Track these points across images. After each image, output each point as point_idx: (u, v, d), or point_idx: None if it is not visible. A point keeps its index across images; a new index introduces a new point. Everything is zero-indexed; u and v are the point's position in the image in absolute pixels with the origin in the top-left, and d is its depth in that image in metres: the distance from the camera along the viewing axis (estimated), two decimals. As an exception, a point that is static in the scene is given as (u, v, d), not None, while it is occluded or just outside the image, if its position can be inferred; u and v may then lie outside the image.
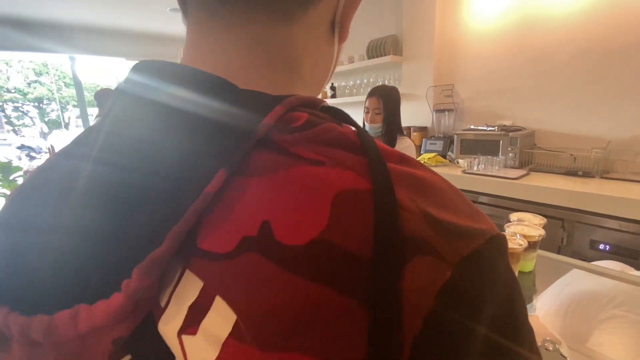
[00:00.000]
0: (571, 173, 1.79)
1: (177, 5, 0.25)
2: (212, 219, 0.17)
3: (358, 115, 2.00)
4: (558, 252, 1.39)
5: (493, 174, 1.86)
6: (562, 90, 1.97)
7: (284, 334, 0.14)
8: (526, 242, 0.78)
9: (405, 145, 1.58)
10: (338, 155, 0.18)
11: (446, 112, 2.46)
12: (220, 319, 0.16)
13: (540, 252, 0.90)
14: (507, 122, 2.10)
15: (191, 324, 0.16)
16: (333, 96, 3.50)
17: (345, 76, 3.42)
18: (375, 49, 2.80)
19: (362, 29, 3.18)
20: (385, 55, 2.72)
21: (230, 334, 0.15)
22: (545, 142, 2.05)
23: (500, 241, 0.18)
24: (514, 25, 2.12)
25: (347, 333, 0.14)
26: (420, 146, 2.51)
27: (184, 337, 0.17)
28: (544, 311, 0.72)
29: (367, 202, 0.16)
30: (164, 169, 0.18)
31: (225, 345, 0.15)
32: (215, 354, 0.15)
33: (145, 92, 0.21)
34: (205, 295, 0.16)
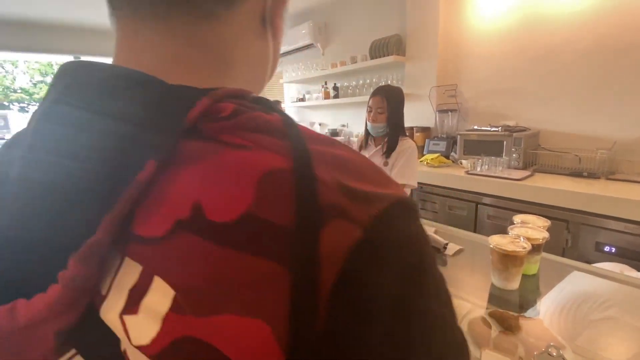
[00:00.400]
0: (576, 174, 1.77)
1: None
2: (147, 207, 0.18)
3: (360, 116, 1.99)
4: (563, 255, 1.38)
5: (496, 174, 1.84)
6: (567, 90, 1.95)
7: (218, 300, 0.16)
8: (530, 245, 0.78)
9: (407, 147, 1.56)
10: (263, 140, 0.19)
11: (449, 113, 2.44)
12: (160, 296, 0.17)
13: (544, 254, 0.89)
14: (511, 123, 2.08)
15: (132, 305, 0.18)
16: (336, 96, 3.49)
17: (348, 76, 3.41)
18: (378, 49, 2.79)
19: (364, 29, 3.17)
20: (388, 55, 2.71)
21: (170, 309, 0.17)
22: (549, 142, 2.03)
23: (407, 204, 0.20)
24: (518, 24, 2.10)
25: (272, 293, 0.16)
26: (423, 147, 2.50)
27: (126, 318, 0.18)
28: (548, 314, 0.71)
29: (289, 179, 0.18)
30: (96, 163, 0.19)
31: (165, 319, 0.17)
32: (157, 328, 0.17)
33: (74, 91, 0.21)
34: (144, 278, 0.18)
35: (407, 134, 2.58)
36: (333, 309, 0.16)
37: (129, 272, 0.18)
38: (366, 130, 1.66)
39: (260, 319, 0.16)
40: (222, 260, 0.16)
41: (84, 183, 0.19)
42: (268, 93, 5.49)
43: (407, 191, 1.63)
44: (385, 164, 1.57)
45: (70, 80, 0.22)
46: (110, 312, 0.18)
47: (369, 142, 1.69)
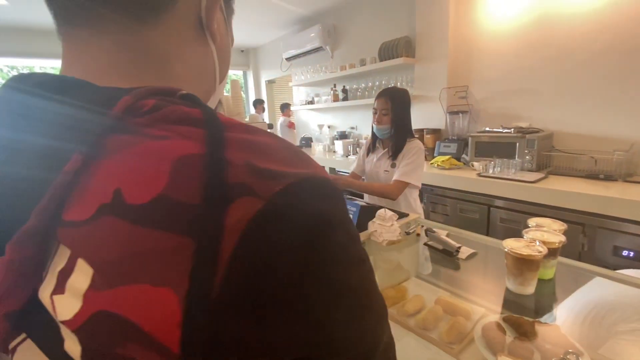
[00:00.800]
0: (592, 176, 1.73)
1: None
2: (76, 195, 0.20)
3: (369, 118, 1.98)
4: (579, 259, 1.34)
5: (509, 177, 1.81)
6: (582, 90, 1.91)
7: (128, 273, 0.18)
8: (546, 249, 0.76)
9: (412, 146, 1.53)
10: (181, 130, 0.21)
11: (460, 114, 2.42)
12: (82, 276, 0.19)
13: (560, 259, 0.87)
14: (524, 124, 2.05)
15: (60, 286, 0.20)
16: (345, 99, 3.49)
17: (357, 79, 3.41)
18: (387, 51, 2.79)
19: (373, 32, 3.17)
20: (397, 57, 2.70)
21: (89, 286, 0.19)
22: (564, 144, 1.99)
23: (316, 182, 0.22)
24: (531, 23, 2.07)
25: (179, 263, 0.18)
26: (434, 149, 2.48)
27: (55, 297, 0.20)
28: (567, 321, 0.69)
29: (200, 162, 0.19)
30: (29, 159, 0.21)
31: (85, 295, 0.19)
32: (79, 305, 0.19)
33: (13, 96, 0.24)
34: (71, 260, 0.20)
35: (417, 135, 2.58)
36: (230, 273, 0.18)
37: (61, 256, 0.20)
38: (373, 132, 1.65)
39: (168, 287, 0.18)
40: (135, 237, 0.18)
41: (22, 177, 0.21)
42: (277, 96, 5.53)
43: (415, 192, 1.61)
44: (393, 165, 1.56)
45: (13, 84, 0.24)
46: (44, 294, 0.20)
47: (377, 144, 1.68)
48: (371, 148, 1.71)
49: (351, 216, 1.05)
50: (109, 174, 0.20)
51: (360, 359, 0.22)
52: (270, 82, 5.47)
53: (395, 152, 1.55)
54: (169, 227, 0.18)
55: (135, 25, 0.26)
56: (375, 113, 1.56)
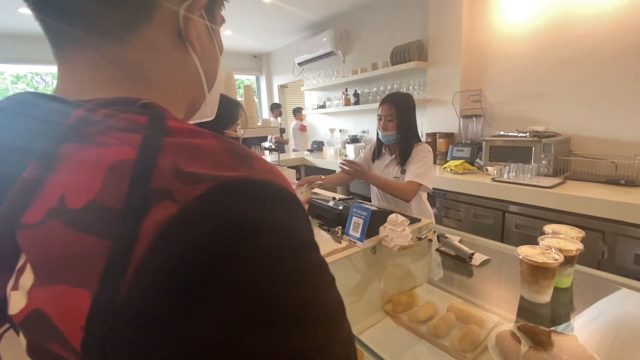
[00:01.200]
0: (612, 182, 1.67)
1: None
2: (33, 200, 0.22)
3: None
4: (598, 268, 1.30)
5: (525, 182, 1.77)
6: (601, 93, 1.86)
7: (56, 273, 0.19)
8: (562, 257, 0.74)
9: (420, 149, 1.51)
10: (124, 137, 0.22)
11: (474, 118, 2.39)
12: (29, 274, 0.21)
13: (578, 267, 0.84)
14: (540, 128, 2.01)
15: (17, 282, 0.21)
16: (356, 103, 3.50)
17: (369, 83, 3.41)
18: (400, 55, 2.78)
19: (385, 36, 3.17)
20: (409, 61, 2.69)
21: (32, 284, 0.20)
22: (582, 148, 1.94)
23: (242, 184, 0.21)
24: (547, 25, 2.04)
25: (95, 265, 0.19)
26: (447, 152, 2.45)
27: (12, 293, 0.21)
28: (586, 333, 0.66)
29: (130, 168, 0.20)
30: None
31: (29, 293, 0.20)
32: (25, 301, 0.20)
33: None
34: (25, 259, 0.21)
35: (429, 139, 2.56)
36: (137, 277, 0.18)
37: (22, 256, 0.22)
38: (378, 139, 1.62)
39: (84, 288, 0.19)
40: (66, 239, 0.20)
41: None
42: (289, 100, 5.58)
43: (424, 195, 1.59)
44: (403, 172, 1.53)
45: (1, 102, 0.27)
46: (8, 289, 0.22)
47: (383, 150, 1.65)
48: (377, 155, 1.67)
49: (361, 221, 1.05)
50: (59, 180, 0.22)
51: None
52: (282, 87, 5.53)
53: (403, 158, 1.53)
54: (93, 230, 0.19)
55: (110, 43, 0.28)
56: (380, 120, 1.54)
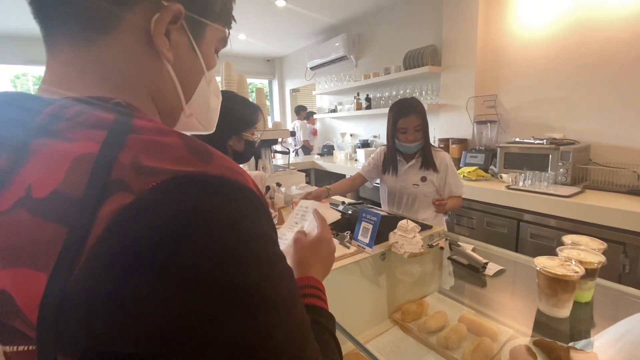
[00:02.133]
0: (635, 192, 1.61)
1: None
2: (3, 190, 0.23)
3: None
4: (619, 281, 1.24)
5: (541, 190, 1.72)
6: (622, 100, 1.80)
7: (22, 257, 0.21)
8: (583, 270, 0.70)
9: (443, 157, 1.50)
10: (91, 134, 0.24)
11: (488, 124, 2.34)
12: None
13: (599, 280, 0.80)
14: (557, 135, 1.95)
15: None
16: (368, 107, 3.48)
17: (381, 87, 3.39)
18: (413, 60, 2.75)
19: (398, 40, 3.15)
20: (423, 65, 2.66)
21: (1, 267, 0.22)
22: (602, 157, 1.87)
23: (196, 178, 0.23)
24: (566, 30, 1.98)
25: (53, 249, 0.20)
26: (460, 159, 2.40)
27: None
28: (608, 352, 0.62)
29: (91, 161, 0.22)
30: None
31: None
32: None
33: None
34: None
35: (442, 145, 2.52)
36: (89, 261, 0.20)
37: None
38: (394, 149, 1.55)
39: (42, 271, 0.20)
40: (30, 226, 0.21)
41: None
42: (301, 104, 5.60)
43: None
44: (424, 179, 1.50)
45: None
46: None
47: (398, 157, 1.57)
48: (391, 162, 1.58)
49: (370, 226, 1.03)
50: (28, 172, 0.23)
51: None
52: (294, 91, 5.55)
53: (427, 164, 1.51)
54: (55, 218, 0.21)
55: (82, 44, 0.29)
56: (404, 132, 1.47)
